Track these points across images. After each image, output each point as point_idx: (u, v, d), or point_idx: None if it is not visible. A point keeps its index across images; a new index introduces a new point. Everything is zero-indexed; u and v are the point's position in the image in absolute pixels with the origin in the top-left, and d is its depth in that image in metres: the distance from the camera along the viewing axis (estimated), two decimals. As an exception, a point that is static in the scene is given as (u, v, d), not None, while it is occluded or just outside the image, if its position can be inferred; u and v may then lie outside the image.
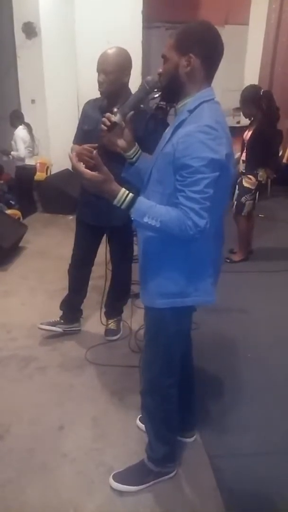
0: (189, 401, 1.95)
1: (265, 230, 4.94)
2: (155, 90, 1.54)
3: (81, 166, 1.40)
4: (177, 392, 1.76)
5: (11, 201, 6.03)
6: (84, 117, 2.47)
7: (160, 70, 1.45)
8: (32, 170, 5.87)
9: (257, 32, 6.90)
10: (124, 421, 2.18)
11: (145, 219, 1.34)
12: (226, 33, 7.88)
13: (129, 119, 1.56)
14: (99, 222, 2.53)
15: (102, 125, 1.54)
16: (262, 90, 4.00)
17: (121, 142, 1.60)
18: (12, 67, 6.49)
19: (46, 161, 6.45)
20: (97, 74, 2.29)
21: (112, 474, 1.84)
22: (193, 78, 1.40)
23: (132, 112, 1.54)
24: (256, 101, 3.82)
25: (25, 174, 5.81)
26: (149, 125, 2.29)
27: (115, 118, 1.53)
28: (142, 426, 2.09)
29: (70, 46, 6.37)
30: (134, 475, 1.84)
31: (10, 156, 5.75)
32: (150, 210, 1.35)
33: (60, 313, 2.91)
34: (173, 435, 1.86)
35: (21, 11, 6.05)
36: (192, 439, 2.06)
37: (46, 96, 6.31)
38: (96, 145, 2.13)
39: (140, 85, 1.55)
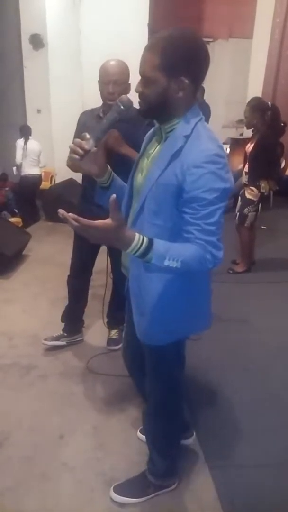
0: None
1: (267, 241, 4.94)
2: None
3: (86, 221, 1.14)
4: (183, 411, 1.77)
5: (15, 210, 6.09)
6: (83, 128, 2.40)
7: (140, 89, 1.30)
8: (35, 179, 5.94)
9: (261, 45, 6.98)
10: (125, 431, 2.18)
11: (166, 262, 1.20)
12: (230, 46, 8.00)
13: (101, 144, 1.43)
14: None
15: (74, 155, 1.38)
16: (270, 103, 4.05)
17: (93, 168, 1.45)
18: (18, 77, 6.58)
19: (50, 171, 6.51)
20: (94, 85, 2.31)
21: (113, 486, 1.83)
22: (184, 101, 1.29)
23: (105, 137, 1.42)
24: (263, 111, 3.86)
25: (27, 183, 5.90)
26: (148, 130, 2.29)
27: (88, 145, 1.37)
28: (143, 437, 2.08)
29: (76, 58, 6.45)
30: (135, 487, 1.82)
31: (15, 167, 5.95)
32: (169, 252, 1.20)
33: (62, 325, 2.90)
34: (175, 450, 1.84)
35: (29, 23, 6.15)
36: (191, 439, 2.05)
37: (52, 106, 6.39)
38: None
39: (113, 106, 1.41)
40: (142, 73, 1.29)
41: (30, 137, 5.91)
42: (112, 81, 2.25)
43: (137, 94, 1.35)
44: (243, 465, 2.01)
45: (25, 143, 5.84)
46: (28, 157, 5.83)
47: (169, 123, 1.33)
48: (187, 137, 1.27)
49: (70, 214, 1.14)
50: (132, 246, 1.18)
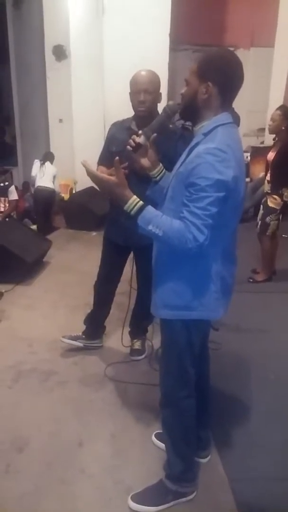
0: (203, 419, 1.92)
1: (288, 250, 4.88)
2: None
3: (97, 171, 1.52)
4: (195, 406, 1.76)
5: (35, 216, 6.20)
6: (112, 139, 2.49)
7: (182, 91, 1.55)
8: (48, 192, 6.08)
9: (282, 54, 6.96)
10: (143, 439, 2.17)
11: (150, 227, 1.44)
12: (252, 55, 7.99)
13: (152, 141, 1.67)
14: (127, 243, 2.53)
15: (128, 146, 1.66)
16: None
17: (145, 162, 1.72)
18: (41, 88, 6.71)
19: (69, 182, 6.60)
20: (125, 94, 2.34)
21: (131, 495, 1.82)
22: (210, 104, 1.49)
23: (155, 134, 1.65)
24: None
25: (40, 195, 6.05)
26: (179, 145, 2.32)
27: (140, 139, 1.65)
28: (158, 442, 2.09)
29: (98, 69, 6.54)
30: (153, 495, 1.81)
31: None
32: (155, 219, 1.45)
33: (83, 327, 2.92)
34: (191, 452, 1.85)
35: (52, 34, 6.28)
36: (207, 459, 2.02)
37: (74, 116, 6.48)
38: (126, 164, 2.19)
39: (162, 110, 1.70)
40: (185, 78, 1.54)
41: (49, 162, 6.15)
42: (143, 90, 2.27)
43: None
44: (262, 477, 1.97)
45: (42, 165, 6.07)
46: (44, 176, 6.02)
47: (198, 125, 1.54)
48: (205, 134, 1.47)
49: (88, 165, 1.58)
50: (127, 204, 1.49)
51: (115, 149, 2.38)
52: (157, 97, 2.34)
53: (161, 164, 1.75)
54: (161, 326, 1.74)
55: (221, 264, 1.56)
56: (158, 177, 1.74)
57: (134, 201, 1.49)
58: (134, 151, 1.68)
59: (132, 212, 1.48)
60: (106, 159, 2.46)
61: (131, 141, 1.66)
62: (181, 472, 1.80)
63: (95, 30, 6.42)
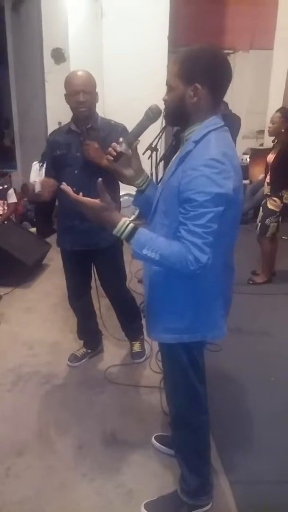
0: None
1: (288, 252, 4.88)
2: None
3: (78, 196, 1.37)
4: (208, 423, 1.71)
5: (34, 219, 6.18)
6: (53, 144, 2.44)
7: (166, 97, 1.39)
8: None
9: (281, 56, 6.96)
10: (144, 442, 2.15)
11: (144, 251, 1.30)
12: (251, 57, 7.98)
13: (135, 148, 1.52)
14: (86, 246, 2.47)
15: (108, 156, 1.50)
16: None
17: (128, 172, 1.55)
18: (40, 91, 6.70)
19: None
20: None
21: (144, 502, 1.78)
22: (200, 108, 1.34)
23: (138, 141, 1.52)
24: None
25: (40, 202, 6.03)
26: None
27: (121, 147, 1.48)
28: (158, 445, 2.08)
29: (97, 72, 6.45)
30: (167, 506, 1.77)
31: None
32: (150, 242, 1.31)
33: (81, 342, 2.90)
34: (206, 466, 1.78)
35: (51, 37, 6.27)
36: None
37: (73, 120, 6.47)
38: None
39: (144, 113, 1.51)
40: (166, 82, 1.39)
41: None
42: (81, 90, 2.26)
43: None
44: (264, 480, 1.96)
45: (41, 166, 6.03)
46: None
47: (188, 130, 1.40)
48: (196, 142, 1.32)
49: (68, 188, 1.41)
50: (117, 228, 1.34)
51: (59, 153, 2.37)
52: (95, 97, 2.34)
53: (145, 172, 1.59)
54: (161, 348, 1.67)
55: (222, 278, 1.47)
56: (143, 186, 1.59)
57: (124, 223, 1.33)
58: (114, 161, 1.49)
59: (123, 236, 1.33)
60: (50, 170, 2.48)
61: (111, 150, 1.47)
62: (197, 487, 1.74)
63: (94, 33, 6.41)
